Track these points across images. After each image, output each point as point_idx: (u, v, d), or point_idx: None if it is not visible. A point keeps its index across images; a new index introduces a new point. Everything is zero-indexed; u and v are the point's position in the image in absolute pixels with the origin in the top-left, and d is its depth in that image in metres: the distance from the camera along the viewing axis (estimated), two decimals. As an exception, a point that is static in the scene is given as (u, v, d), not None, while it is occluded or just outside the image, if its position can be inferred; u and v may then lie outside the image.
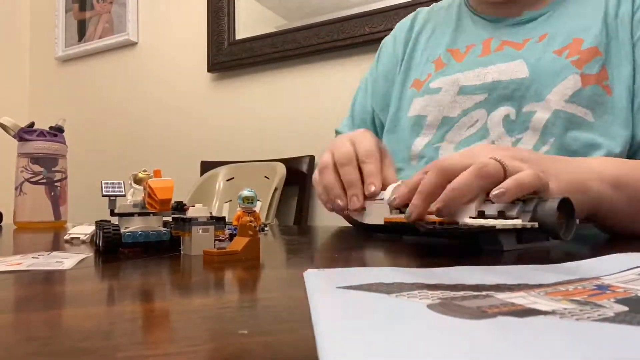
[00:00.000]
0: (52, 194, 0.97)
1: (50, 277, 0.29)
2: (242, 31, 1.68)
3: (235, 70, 1.71)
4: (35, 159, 0.96)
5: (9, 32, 2.17)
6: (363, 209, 0.54)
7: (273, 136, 1.63)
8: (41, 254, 0.39)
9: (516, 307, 0.18)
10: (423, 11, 0.84)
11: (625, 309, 0.17)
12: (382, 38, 0.90)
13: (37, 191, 0.96)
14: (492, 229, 0.35)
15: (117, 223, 0.41)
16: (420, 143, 0.72)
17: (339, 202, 0.55)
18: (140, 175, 0.42)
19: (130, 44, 1.96)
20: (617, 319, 0.16)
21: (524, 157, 0.43)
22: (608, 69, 0.61)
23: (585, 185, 0.45)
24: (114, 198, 0.41)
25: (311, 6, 1.54)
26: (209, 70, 1.74)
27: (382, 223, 0.49)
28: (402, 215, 0.46)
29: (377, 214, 0.51)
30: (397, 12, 1.37)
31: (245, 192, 0.37)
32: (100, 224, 0.42)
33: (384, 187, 0.52)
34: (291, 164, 1.49)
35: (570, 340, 0.14)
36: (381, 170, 0.55)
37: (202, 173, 1.65)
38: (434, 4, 0.85)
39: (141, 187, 0.41)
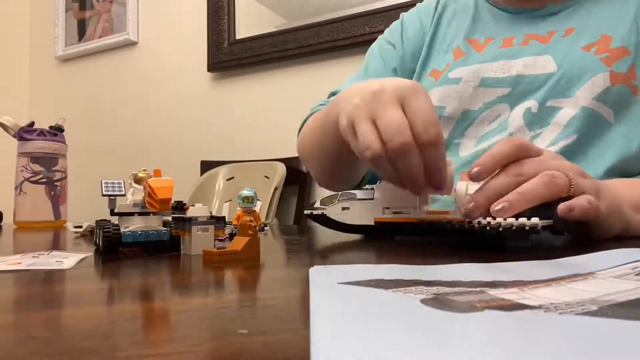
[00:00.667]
0: (52, 193, 0.97)
1: (50, 277, 0.29)
2: (242, 31, 1.68)
3: (235, 70, 1.71)
4: (35, 158, 0.96)
5: (9, 32, 2.17)
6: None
7: (273, 136, 1.63)
8: (41, 253, 0.39)
9: (505, 302, 0.18)
10: None
11: (611, 303, 0.18)
12: (382, 38, 0.89)
13: (37, 191, 0.96)
14: (523, 228, 0.35)
15: (117, 222, 0.41)
16: None
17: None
18: (140, 174, 0.42)
19: (130, 44, 1.96)
20: (600, 312, 0.16)
21: (585, 175, 0.43)
22: (637, 69, 0.60)
23: (621, 209, 0.45)
24: (114, 197, 0.42)
25: (311, 6, 1.54)
26: (209, 70, 1.74)
27: (372, 223, 0.48)
28: (394, 216, 0.46)
29: (365, 214, 0.48)
30: (397, 12, 1.37)
31: (245, 192, 0.37)
32: (100, 224, 0.42)
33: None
34: (291, 163, 1.49)
35: (548, 333, 0.14)
36: None
37: (202, 172, 1.65)
38: None
39: (141, 187, 0.41)
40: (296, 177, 1.49)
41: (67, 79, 2.13)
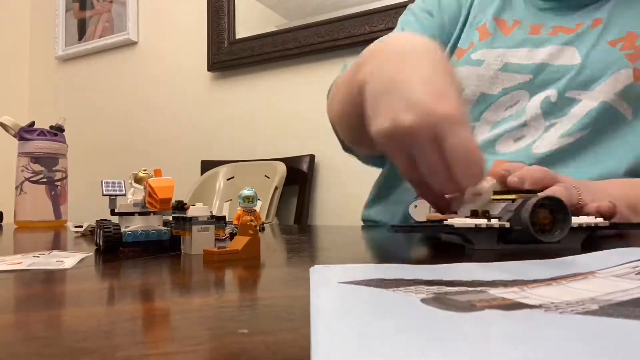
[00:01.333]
0: (53, 193, 0.97)
1: (51, 277, 0.29)
2: (242, 30, 1.67)
3: (235, 70, 1.71)
4: (36, 158, 0.96)
5: (9, 31, 2.17)
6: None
7: (273, 135, 1.63)
8: (42, 253, 0.39)
9: (505, 302, 0.18)
10: None
11: (612, 302, 0.18)
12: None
13: (37, 190, 0.96)
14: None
15: (117, 222, 0.41)
16: None
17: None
18: (141, 174, 0.42)
19: (130, 44, 1.96)
20: (600, 312, 0.16)
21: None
22: None
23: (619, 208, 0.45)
24: (114, 197, 0.41)
25: (311, 5, 1.54)
26: (209, 70, 1.74)
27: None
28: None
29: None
30: (397, 11, 1.37)
31: (246, 192, 0.37)
32: (100, 223, 0.42)
33: None
34: (291, 163, 1.49)
35: (548, 332, 0.14)
36: None
37: (202, 172, 1.65)
38: None
39: (141, 187, 0.41)
40: (296, 177, 1.49)
41: (67, 79, 2.13)
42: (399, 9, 1.37)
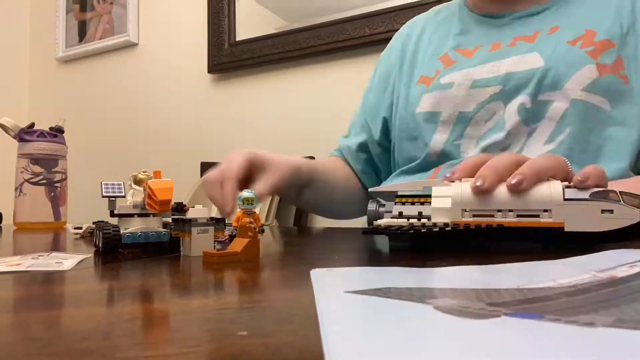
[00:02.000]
0: (52, 194, 0.97)
1: (50, 278, 0.29)
2: (243, 32, 1.68)
3: (235, 72, 1.71)
4: (35, 159, 0.96)
5: (9, 32, 2.17)
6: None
7: (273, 137, 1.63)
8: (41, 254, 0.39)
9: (523, 307, 0.18)
10: (420, 18, 0.84)
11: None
12: (382, 39, 0.90)
13: (37, 192, 0.96)
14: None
15: (116, 224, 0.41)
16: (438, 140, 0.69)
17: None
18: (140, 176, 0.42)
19: (130, 45, 1.96)
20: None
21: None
22: (624, 59, 0.61)
23: None
24: (113, 199, 0.42)
25: (311, 7, 1.54)
26: (209, 72, 1.74)
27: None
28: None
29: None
30: (397, 14, 1.37)
31: (245, 193, 0.37)
32: (99, 225, 0.42)
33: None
34: (291, 165, 1.49)
35: (566, 342, 0.14)
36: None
37: (202, 174, 1.65)
38: (431, 9, 0.85)
39: (141, 188, 0.41)
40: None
41: (67, 81, 2.13)
42: (399, 11, 1.37)
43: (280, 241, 0.58)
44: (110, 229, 0.39)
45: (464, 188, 0.40)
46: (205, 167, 1.66)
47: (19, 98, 2.18)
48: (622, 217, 0.36)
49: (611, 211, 0.36)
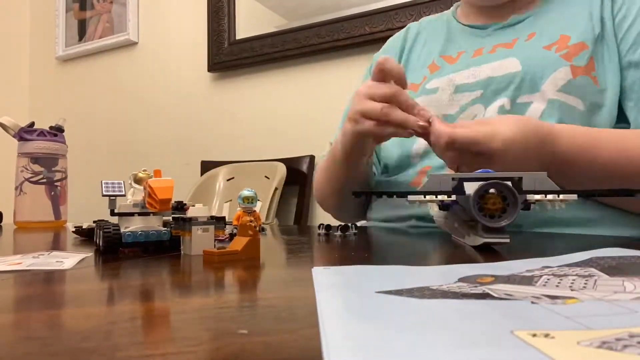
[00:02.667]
0: (52, 193, 0.97)
1: (50, 277, 0.29)
2: (242, 31, 1.67)
3: (235, 70, 1.71)
4: (35, 158, 0.96)
5: (9, 32, 2.17)
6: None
7: (273, 136, 1.63)
8: (41, 253, 0.39)
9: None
10: (413, 26, 0.88)
11: None
12: (382, 38, 0.90)
13: (37, 191, 0.96)
14: None
15: (117, 223, 0.41)
16: (423, 142, 0.72)
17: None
18: (140, 175, 0.42)
19: (130, 44, 1.96)
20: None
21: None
22: (595, 61, 0.65)
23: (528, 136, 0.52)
24: (114, 198, 0.41)
25: (311, 6, 1.54)
26: (209, 70, 1.74)
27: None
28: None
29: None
30: (397, 12, 1.37)
31: (245, 192, 0.37)
32: (99, 224, 0.42)
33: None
34: (291, 163, 1.49)
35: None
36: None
37: (202, 173, 1.65)
38: (422, 18, 0.89)
39: (141, 187, 0.41)
40: (296, 178, 1.49)
41: (67, 79, 2.13)
42: (399, 9, 1.37)
43: (280, 240, 0.58)
44: (110, 228, 0.39)
45: None
46: (205, 165, 1.66)
47: (18, 97, 2.18)
48: None
49: None
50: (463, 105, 0.70)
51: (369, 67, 0.90)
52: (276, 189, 1.42)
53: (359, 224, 0.80)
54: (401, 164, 0.75)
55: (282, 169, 1.46)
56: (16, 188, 0.96)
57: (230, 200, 1.50)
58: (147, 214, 0.41)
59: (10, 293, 0.25)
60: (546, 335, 0.14)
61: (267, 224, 1.19)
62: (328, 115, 1.49)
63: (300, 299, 0.22)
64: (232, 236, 0.44)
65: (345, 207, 0.84)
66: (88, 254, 0.39)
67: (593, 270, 0.25)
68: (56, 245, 0.53)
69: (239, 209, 0.38)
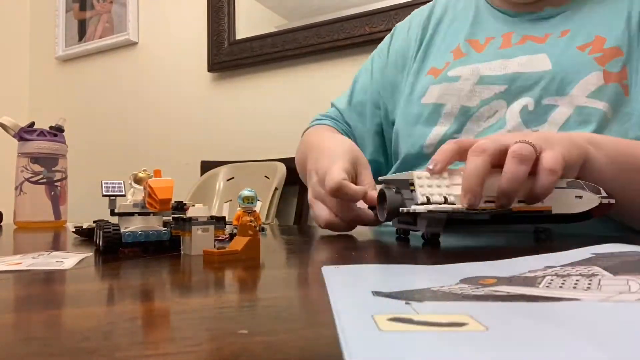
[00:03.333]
0: (52, 193, 0.97)
1: (50, 277, 0.29)
2: (242, 31, 1.67)
3: (235, 70, 1.71)
4: (35, 158, 0.96)
5: (9, 32, 2.17)
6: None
7: (273, 136, 1.63)
8: (41, 253, 0.39)
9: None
10: (441, 1, 0.82)
11: None
12: (382, 38, 0.89)
13: (37, 191, 0.96)
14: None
15: (117, 223, 0.41)
16: (437, 132, 0.70)
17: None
18: (140, 175, 0.42)
19: (130, 44, 1.96)
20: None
21: (543, 137, 0.47)
22: (628, 69, 0.62)
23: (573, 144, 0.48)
24: (114, 198, 0.41)
25: (311, 6, 1.54)
26: (209, 70, 1.74)
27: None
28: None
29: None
30: (397, 12, 1.37)
31: (245, 192, 0.37)
32: (99, 224, 0.42)
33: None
34: (291, 163, 1.49)
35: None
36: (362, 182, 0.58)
37: (202, 173, 1.65)
38: None
39: (141, 187, 0.41)
40: (296, 177, 1.47)
41: (67, 80, 2.13)
42: (399, 9, 1.37)
43: (280, 240, 0.58)
44: (110, 228, 0.39)
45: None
46: (205, 165, 1.66)
47: (18, 97, 2.18)
48: (588, 201, 0.44)
49: (581, 197, 0.44)
50: (485, 99, 0.67)
51: (389, 39, 0.85)
52: (276, 189, 1.42)
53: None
54: (413, 162, 0.73)
55: (282, 169, 1.46)
56: (16, 188, 0.96)
57: (230, 200, 1.50)
58: (147, 214, 0.41)
59: (10, 293, 0.25)
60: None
61: (267, 224, 1.19)
62: (328, 115, 1.49)
63: (300, 299, 0.22)
64: (232, 236, 0.44)
65: None
66: (88, 254, 0.39)
67: (596, 269, 0.25)
68: (56, 245, 0.53)
69: (239, 209, 0.38)
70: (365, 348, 0.13)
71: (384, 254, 0.42)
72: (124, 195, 0.42)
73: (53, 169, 0.98)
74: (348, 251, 0.42)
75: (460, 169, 0.44)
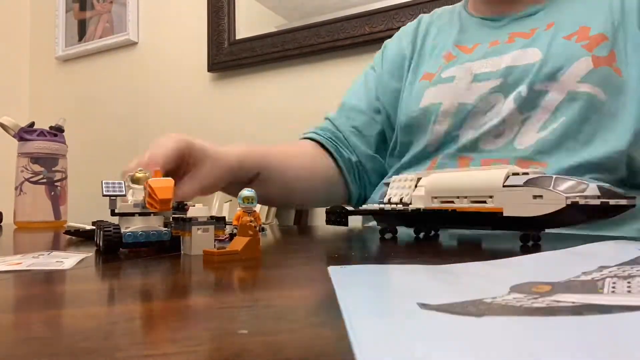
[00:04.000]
0: (52, 193, 0.97)
1: (50, 277, 0.29)
2: (242, 31, 1.67)
3: (235, 70, 1.71)
4: (35, 158, 0.96)
5: (9, 32, 2.17)
6: None
7: (273, 136, 1.62)
8: (41, 253, 0.39)
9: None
10: (425, 17, 0.86)
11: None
12: (382, 38, 0.90)
13: (37, 191, 0.96)
14: None
15: (117, 223, 0.41)
16: (438, 130, 0.71)
17: None
18: (137, 175, 0.41)
19: (130, 44, 1.96)
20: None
21: None
22: (617, 53, 0.63)
23: None
24: (114, 198, 0.41)
25: (311, 6, 1.54)
26: (209, 70, 1.74)
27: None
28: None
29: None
30: (397, 12, 1.37)
31: (246, 192, 0.37)
32: (99, 224, 0.42)
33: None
34: (291, 163, 1.49)
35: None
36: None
37: (202, 173, 1.65)
38: (434, 10, 0.87)
39: (140, 187, 0.41)
40: (296, 178, 1.48)
41: (67, 79, 2.13)
42: (399, 9, 1.37)
43: (280, 240, 0.58)
44: (110, 229, 0.39)
45: (435, 178, 0.46)
46: (206, 165, 1.66)
47: (18, 97, 2.18)
48: (551, 202, 0.37)
49: (541, 196, 0.37)
50: (482, 94, 0.68)
51: (380, 55, 0.88)
52: (276, 189, 1.41)
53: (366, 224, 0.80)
54: (416, 162, 0.74)
55: (282, 169, 1.46)
56: (16, 188, 0.96)
57: (230, 200, 1.49)
58: (147, 214, 0.41)
59: (10, 293, 0.25)
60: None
61: (267, 224, 1.19)
62: (328, 115, 1.49)
63: (301, 299, 0.22)
64: (232, 236, 0.44)
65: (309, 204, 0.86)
66: (88, 254, 0.39)
67: None
68: (56, 245, 0.53)
69: (239, 209, 0.38)
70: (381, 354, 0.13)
71: (385, 254, 0.42)
72: (125, 195, 0.42)
73: (53, 169, 0.98)
74: (348, 251, 0.42)
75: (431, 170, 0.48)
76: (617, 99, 0.62)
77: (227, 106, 1.73)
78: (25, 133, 0.96)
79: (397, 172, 0.76)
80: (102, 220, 0.46)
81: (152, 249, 0.41)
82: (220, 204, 1.51)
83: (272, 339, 0.16)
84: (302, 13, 1.56)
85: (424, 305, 0.17)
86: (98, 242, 0.42)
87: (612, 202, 0.36)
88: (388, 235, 0.50)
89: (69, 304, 0.23)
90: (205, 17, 1.74)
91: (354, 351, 0.13)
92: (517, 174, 0.40)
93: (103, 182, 0.42)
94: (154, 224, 0.41)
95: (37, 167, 0.96)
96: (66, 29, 2.10)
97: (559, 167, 0.60)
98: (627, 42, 0.64)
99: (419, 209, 0.45)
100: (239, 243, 0.35)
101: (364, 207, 0.52)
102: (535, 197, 0.38)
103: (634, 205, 0.36)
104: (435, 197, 0.45)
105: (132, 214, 0.41)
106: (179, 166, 0.51)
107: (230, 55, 1.68)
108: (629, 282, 0.20)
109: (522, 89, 0.65)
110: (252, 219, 0.37)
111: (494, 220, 0.40)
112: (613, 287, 0.19)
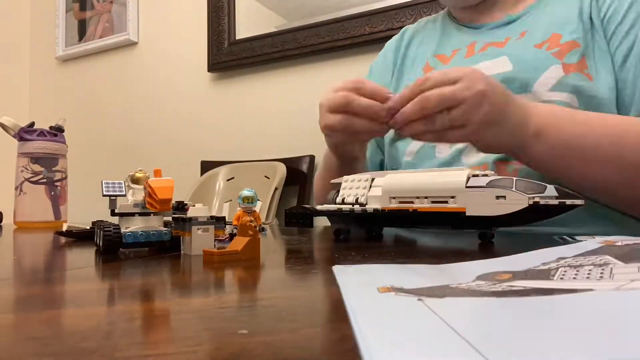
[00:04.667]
0: (52, 193, 0.97)
1: (50, 277, 0.29)
2: (242, 31, 1.67)
3: (235, 70, 1.71)
4: (35, 158, 0.96)
5: (9, 32, 2.17)
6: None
7: (273, 136, 1.63)
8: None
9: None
10: (409, 28, 0.89)
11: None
12: (382, 38, 0.90)
13: (37, 191, 0.96)
14: None
15: (117, 223, 0.41)
16: (416, 144, 0.75)
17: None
18: (137, 174, 0.41)
19: (130, 44, 1.96)
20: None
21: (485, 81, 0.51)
22: (587, 59, 0.65)
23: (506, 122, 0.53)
24: (114, 198, 0.41)
25: (311, 6, 1.54)
26: (209, 70, 1.74)
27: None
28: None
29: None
30: (397, 12, 1.37)
31: (245, 192, 0.37)
32: (99, 224, 0.42)
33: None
34: (291, 163, 1.49)
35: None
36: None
37: (202, 173, 1.65)
38: (420, 19, 0.90)
39: (140, 187, 0.41)
40: (296, 177, 1.49)
41: (67, 79, 2.13)
42: (399, 9, 1.37)
43: (280, 240, 0.58)
44: (111, 229, 0.39)
45: (392, 179, 0.47)
46: (205, 165, 1.66)
47: (19, 97, 2.18)
48: (513, 202, 0.39)
49: (504, 197, 0.39)
50: None
51: (368, 74, 0.91)
52: (276, 189, 1.42)
53: None
54: (422, 154, 0.76)
55: (282, 169, 1.46)
56: (16, 188, 0.96)
57: (230, 200, 1.49)
58: (147, 214, 0.41)
59: (10, 293, 0.25)
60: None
61: (267, 224, 1.19)
62: (328, 115, 1.49)
63: (300, 299, 0.22)
64: (232, 236, 0.44)
65: None
66: (88, 254, 0.39)
67: (608, 258, 0.25)
68: (56, 245, 0.53)
69: (239, 209, 0.38)
70: (383, 345, 0.13)
71: (384, 254, 0.42)
72: (125, 195, 0.42)
73: (53, 169, 0.98)
74: (348, 251, 0.42)
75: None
76: (589, 105, 0.63)
77: (227, 106, 1.73)
78: (25, 133, 0.96)
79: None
80: (102, 220, 0.46)
81: (152, 249, 0.41)
82: (220, 204, 1.51)
83: (272, 339, 0.16)
84: (302, 13, 1.56)
85: (400, 290, 0.20)
86: (98, 242, 0.42)
87: (568, 202, 0.38)
88: (342, 237, 0.50)
89: (69, 304, 0.23)
90: (205, 17, 1.74)
91: (361, 353, 0.13)
92: (477, 175, 0.42)
93: (103, 182, 0.42)
94: (154, 224, 0.41)
95: (37, 167, 0.96)
96: (66, 29, 2.10)
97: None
98: (596, 50, 0.65)
99: (382, 210, 0.46)
100: (239, 243, 0.35)
101: (324, 207, 0.52)
102: (498, 197, 0.40)
103: (584, 205, 0.39)
104: (394, 198, 0.46)
105: (132, 214, 0.41)
106: None
107: (230, 55, 1.68)
108: (577, 270, 0.23)
109: None
110: (252, 219, 0.37)
111: (456, 219, 0.41)
112: (563, 275, 0.22)
